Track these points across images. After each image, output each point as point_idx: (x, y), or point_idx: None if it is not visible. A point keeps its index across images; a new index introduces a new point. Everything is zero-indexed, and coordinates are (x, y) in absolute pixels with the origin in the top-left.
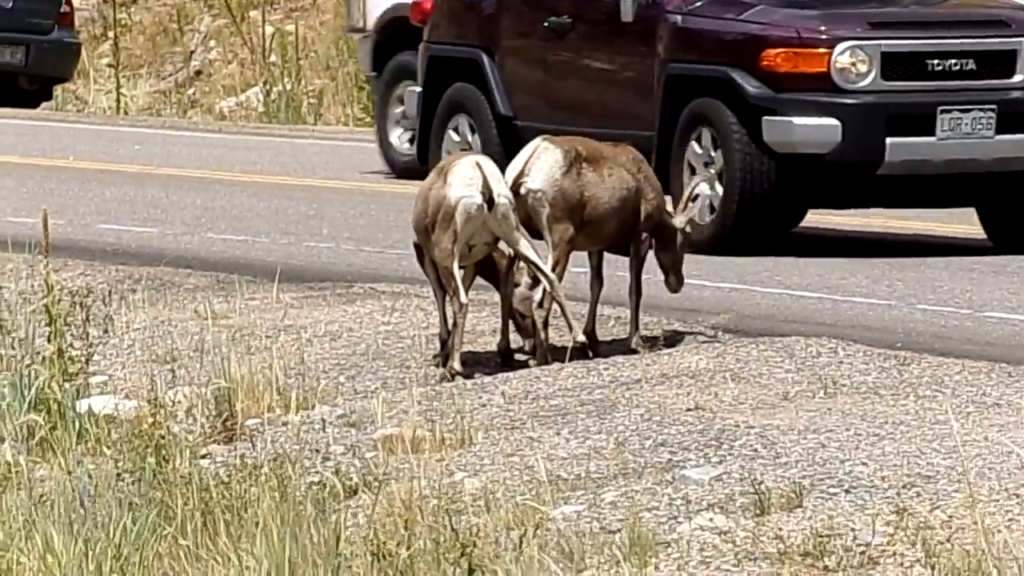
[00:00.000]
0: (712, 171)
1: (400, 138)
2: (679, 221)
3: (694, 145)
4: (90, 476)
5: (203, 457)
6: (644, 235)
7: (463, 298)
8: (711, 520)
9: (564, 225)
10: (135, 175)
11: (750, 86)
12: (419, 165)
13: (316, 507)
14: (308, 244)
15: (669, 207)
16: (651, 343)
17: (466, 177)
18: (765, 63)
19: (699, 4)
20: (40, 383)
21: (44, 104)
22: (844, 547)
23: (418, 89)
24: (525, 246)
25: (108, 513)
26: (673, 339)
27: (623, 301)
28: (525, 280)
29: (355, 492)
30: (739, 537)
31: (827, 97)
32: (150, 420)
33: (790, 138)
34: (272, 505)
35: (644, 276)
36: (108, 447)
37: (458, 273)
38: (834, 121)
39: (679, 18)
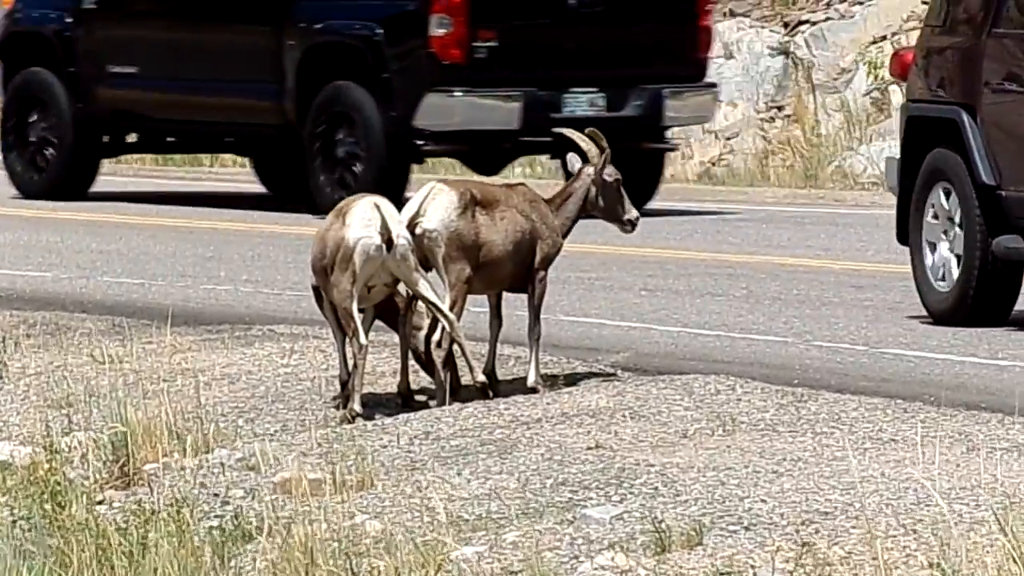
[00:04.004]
0: None
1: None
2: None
3: None
4: None
5: (100, 503)
6: (542, 274)
7: (363, 339)
8: (612, 559)
9: (460, 265)
10: (28, 220)
11: None
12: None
13: (215, 552)
14: (206, 287)
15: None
16: (551, 382)
17: (364, 218)
18: None
19: None
20: None
21: None
22: None
23: (897, 156)
24: (424, 287)
25: (3, 561)
26: (573, 378)
27: (522, 340)
28: (424, 322)
29: (254, 536)
30: None
31: None
32: (45, 466)
33: None
34: (170, 551)
35: (543, 315)
36: (3, 494)
37: (357, 315)
38: None
39: None
